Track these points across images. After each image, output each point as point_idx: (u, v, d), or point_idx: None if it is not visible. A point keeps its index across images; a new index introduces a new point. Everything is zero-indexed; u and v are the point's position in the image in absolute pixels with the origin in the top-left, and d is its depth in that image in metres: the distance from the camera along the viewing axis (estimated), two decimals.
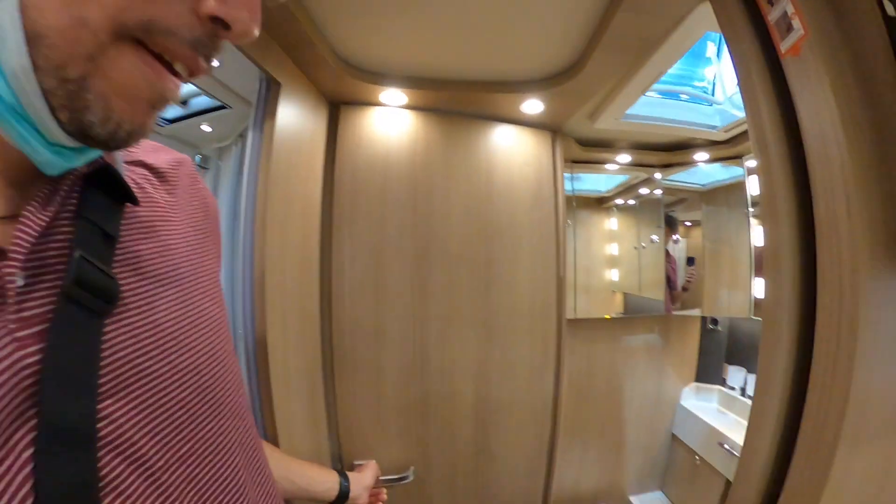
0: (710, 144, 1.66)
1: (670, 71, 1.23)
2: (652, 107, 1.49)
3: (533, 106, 1.34)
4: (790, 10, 0.60)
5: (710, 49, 1.57)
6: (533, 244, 1.44)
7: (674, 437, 1.92)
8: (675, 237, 1.86)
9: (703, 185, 1.81)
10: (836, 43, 0.59)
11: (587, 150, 1.71)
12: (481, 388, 1.36)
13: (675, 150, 1.75)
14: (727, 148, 1.64)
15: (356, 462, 1.24)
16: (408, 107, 1.32)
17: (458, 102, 1.32)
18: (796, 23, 0.59)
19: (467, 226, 1.35)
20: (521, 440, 1.43)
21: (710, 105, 1.56)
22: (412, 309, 1.29)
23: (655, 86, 1.34)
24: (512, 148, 1.44)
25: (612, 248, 1.93)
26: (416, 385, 1.30)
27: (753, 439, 0.67)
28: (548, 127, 1.51)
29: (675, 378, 1.91)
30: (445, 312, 1.32)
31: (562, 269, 1.49)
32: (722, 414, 1.79)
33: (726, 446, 1.52)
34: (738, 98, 1.49)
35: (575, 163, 1.78)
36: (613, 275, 1.91)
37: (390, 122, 1.30)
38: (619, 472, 1.93)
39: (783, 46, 0.63)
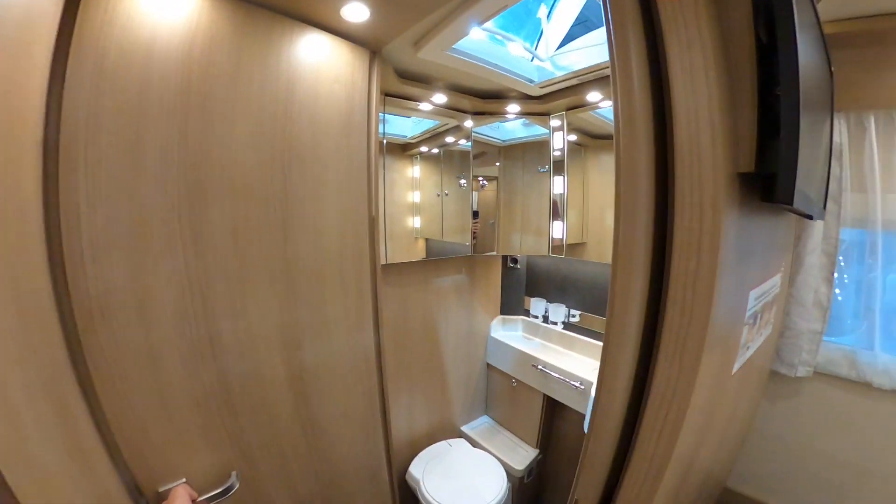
0: (523, 98, 1.78)
1: (502, 16, 1.20)
2: (478, 48, 1.46)
3: (357, 12, 1.11)
4: None
5: (542, 10, 1.64)
6: (341, 177, 1.24)
7: (489, 366, 2.16)
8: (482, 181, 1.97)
9: (503, 141, 1.96)
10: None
11: (404, 82, 1.58)
12: (293, 357, 1.15)
13: (488, 98, 1.81)
14: (538, 104, 1.80)
15: (161, 489, 0.89)
16: None
17: None
18: None
19: (258, 150, 1.04)
20: (351, 403, 1.30)
21: (532, 60, 1.65)
22: (185, 267, 0.93)
23: (485, 26, 1.30)
24: (323, 60, 1.17)
25: (415, 196, 1.91)
26: (207, 369, 0.97)
27: (614, 354, 0.72)
28: (368, 44, 1.30)
29: (484, 313, 2.12)
30: (233, 267, 1.01)
31: (373, 207, 1.36)
32: (528, 339, 2.09)
33: (539, 367, 1.77)
34: (558, 59, 1.62)
35: (389, 96, 1.63)
36: (416, 222, 1.90)
37: None
38: (447, 407, 2.06)
39: None
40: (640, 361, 0.73)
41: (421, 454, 1.84)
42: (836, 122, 1.40)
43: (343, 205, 1.25)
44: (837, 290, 1.53)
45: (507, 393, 2.08)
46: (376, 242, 1.39)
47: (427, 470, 1.70)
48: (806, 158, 0.68)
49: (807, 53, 0.66)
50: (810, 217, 0.90)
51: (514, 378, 1.97)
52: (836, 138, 1.40)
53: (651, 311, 0.71)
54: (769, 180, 0.60)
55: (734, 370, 0.87)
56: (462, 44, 1.38)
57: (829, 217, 1.45)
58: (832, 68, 1.12)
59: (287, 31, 1.07)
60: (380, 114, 1.51)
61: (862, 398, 1.48)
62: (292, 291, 1.13)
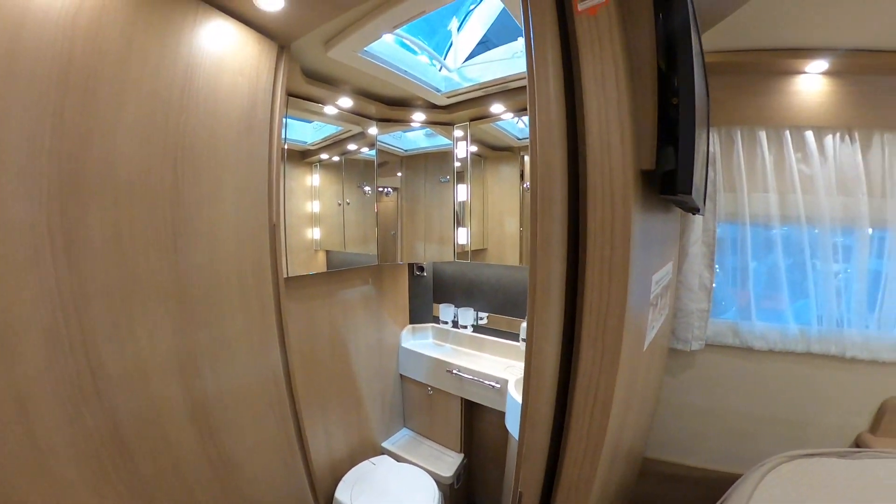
0: (429, 107, 1.86)
1: (415, 22, 1.26)
2: (388, 53, 1.50)
3: (269, 1, 1.07)
4: None
5: (454, 23, 1.73)
6: (239, 180, 1.17)
7: (403, 377, 2.15)
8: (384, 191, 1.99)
9: (405, 151, 2.02)
10: (625, 14, 0.76)
11: (311, 83, 1.54)
12: (193, 386, 1.03)
13: (395, 105, 1.85)
14: (444, 114, 1.89)
15: None
16: None
17: None
18: None
19: (147, 141, 0.93)
20: (264, 432, 1.21)
21: (440, 70, 1.73)
22: (57, 282, 0.78)
23: (398, 31, 1.35)
24: (227, 48, 1.10)
25: (314, 206, 1.86)
26: (91, 410, 0.82)
27: (539, 344, 0.80)
28: (278, 37, 1.26)
29: (393, 324, 2.11)
30: (115, 281, 0.87)
31: (275, 214, 1.30)
32: (439, 346, 2.13)
33: (454, 371, 1.82)
34: (466, 70, 1.73)
35: (293, 96, 1.58)
36: (315, 233, 1.85)
37: None
38: (365, 425, 1.98)
39: (581, 6, 0.76)
40: (563, 348, 0.83)
41: (345, 478, 1.75)
42: (711, 134, 1.78)
43: (242, 210, 1.17)
44: (717, 267, 1.90)
45: (424, 402, 2.10)
46: (279, 253, 1.32)
47: (354, 494, 1.62)
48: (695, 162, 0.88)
49: (697, 74, 0.86)
50: (698, 211, 1.11)
51: (430, 386, 2.01)
52: (711, 148, 1.79)
53: (570, 299, 0.81)
54: (667, 177, 0.76)
55: (644, 347, 1.03)
56: (373, 47, 1.41)
57: (707, 213, 1.82)
58: (709, 91, 1.43)
59: (192, 11, 0.98)
60: (286, 115, 1.45)
61: (746, 361, 1.88)
62: (187, 309, 1.01)
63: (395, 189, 2.03)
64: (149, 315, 0.93)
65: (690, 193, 0.73)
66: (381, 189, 1.99)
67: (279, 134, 1.30)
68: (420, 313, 2.19)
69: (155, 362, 0.94)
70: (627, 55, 0.75)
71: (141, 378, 0.91)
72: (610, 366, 0.76)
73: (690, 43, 0.71)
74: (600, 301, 0.77)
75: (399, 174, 2.03)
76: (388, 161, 2.00)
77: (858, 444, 1.79)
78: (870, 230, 1.72)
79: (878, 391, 1.78)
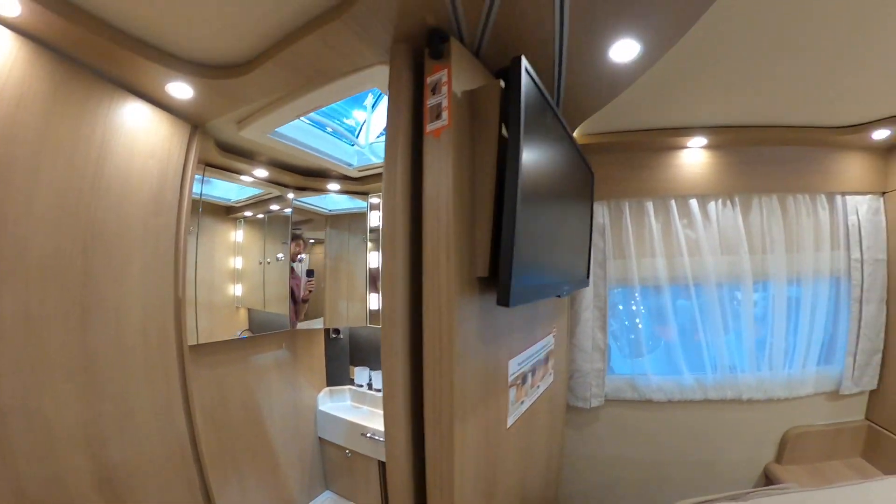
0: (344, 178, 1.96)
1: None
2: (300, 131, 1.61)
3: (181, 90, 1.17)
4: (444, 103, 0.85)
5: (369, 99, 1.86)
6: (147, 258, 1.23)
7: (321, 439, 2.15)
8: (300, 256, 2.05)
9: (329, 210, 2.10)
10: (465, 139, 0.88)
11: (226, 156, 1.62)
12: (99, 456, 1.07)
13: (310, 176, 1.94)
14: (357, 184, 2.00)
15: None
16: (11, 25, 0.87)
17: (86, 47, 0.97)
18: (445, 115, 0.85)
19: (58, 226, 1.00)
20: (170, 498, 1.23)
21: (352, 145, 1.85)
22: None
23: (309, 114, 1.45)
24: (140, 132, 1.18)
25: (237, 262, 1.89)
26: None
27: (392, 427, 0.90)
28: (190, 119, 1.34)
29: (309, 387, 2.12)
30: (25, 359, 0.93)
31: (181, 289, 1.36)
32: (356, 408, 2.15)
33: (368, 434, 1.84)
34: (376, 147, 1.84)
35: (209, 166, 1.64)
36: (237, 290, 1.88)
37: None
38: (283, 490, 1.95)
39: (429, 127, 0.89)
40: (415, 429, 0.90)
41: None
42: (599, 207, 1.95)
43: (148, 287, 1.23)
44: (611, 327, 2.02)
45: (344, 464, 2.10)
46: (183, 325, 1.37)
47: None
48: (548, 255, 0.98)
49: (551, 173, 0.98)
50: (559, 295, 1.22)
51: (348, 449, 2.02)
52: (599, 219, 1.95)
53: (416, 389, 0.90)
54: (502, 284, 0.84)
55: (510, 424, 1.12)
56: (286, 127, 1.51)
57: (598, 280, 1.97)
58: (591, 169, 1.58)
59: (108, 96, 1.06)
60: (203, 176, 1.51)
61: (648, 412, 2.00)
62: (92, 382, 1.06)
63: (321, 242, 2.09)
64: (57, 388, 0.97)
65: (509, 306, 0.80)
66: (303, 243, 2.03)
67: (188, 214, 1.36)
68: (337, 376, 2.21)
69: (62, 434, 0.97)
70: (460, 177, 0.86)
71: (48, 449, 0.94)
72: (448, 449, 0.84)
73: (518, 164, 0.80)
74: (434, 397, 0.86)
75: (324, 232, 2.09)
76: (313, 219, 2.07)
77: (767, 474, 1.97)
78: (753, 283, 1.92)
79: (779, 424, 1.98)
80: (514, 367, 1.14)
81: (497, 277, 0.84)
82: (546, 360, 1.45)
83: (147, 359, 1.21)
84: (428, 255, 0.85)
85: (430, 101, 0.89)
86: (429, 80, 0.90)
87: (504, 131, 0.90)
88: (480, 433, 0.96)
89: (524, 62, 0.85)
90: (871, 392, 1.95)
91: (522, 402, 1.21)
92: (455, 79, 0.88)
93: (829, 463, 1.92)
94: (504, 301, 0.81)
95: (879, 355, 1.90)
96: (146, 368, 1.21)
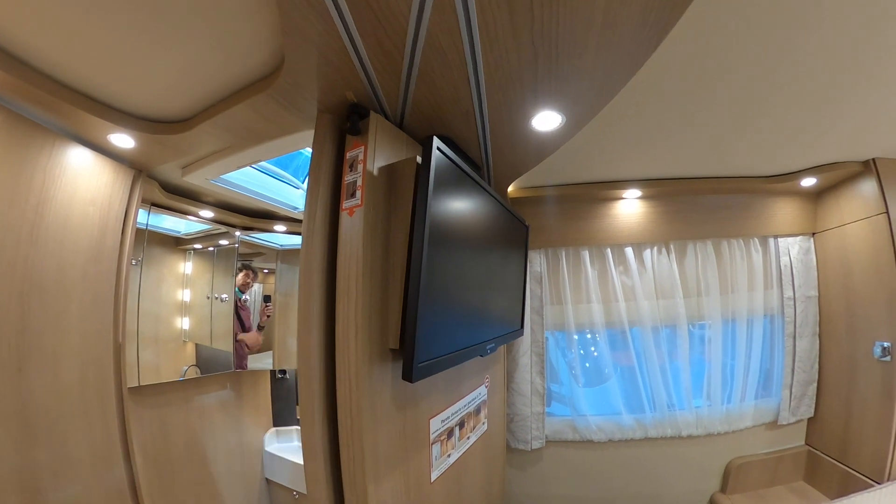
0: (290, 220, 1.98)
1: None
2: (245, 176, 1.64)
3: (123, 140, 1.21)
4: (359, 182, 0.90)
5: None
6: (86, 306, 1.24)
7: (268, 481, 2.10)
8: (255, 286, 2.05)
9: (281, 245, 2.11)
10: (379, 217, 0.93)
11: (171, 197, 1.63)
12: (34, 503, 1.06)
13: (257, 217, 1.95)
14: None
15: None
16: None
17: (27, 97, 1.00)
18: (359, 194, 0.89)
19: None
20: None
21: (298, 188, 1.88)
22: None
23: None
24: (80, 178, 1.20)
25: (185, 294, 1.86)
26: None
27: (313, 486, 0.92)
28: (134, 165, 1.38)
29: (255, 427, 2.07)
30: None
31: (121, 335, 1.36)
32: None
33: None
34: None
35: (155, 205, 1.64)
36: (184, 323, 1.84)
37: None
38: None
39: (345, 204, 0.93)
40: (336, 489, 0.93)
41: None
42: (536, 256, 2.02)
43: (87, 333, 1.23)
44: (549, 371, 2.06)
45: None
46: (123, 370, 1.37)
47: None
48: (469, 316, 1.02)
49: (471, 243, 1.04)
50: (482, 355, 1.24)
51: (296, 491, 1.97)
52: (536, 268, 2.02)
53: (336, 451, 0.92)
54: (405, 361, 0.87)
55: (433, 479, 1.15)
56: (231, 174, 1.53)
57: (535, 326, 2.02)
58: (525, 222, 1.65)
59: (49, 143, 1.08)
60: (149, 213, 1.52)
61: (590, 451, 2.05)
62: (28, 430, 1.06)
63: (270, 272, 2.08)
64: None
65: (413, 381, 0.84)
66: (250, 285, 2.02)
67: (129, 259, 1.36)
68: (284, 416, 2.18)
69: None
70: (371, 256, 0.91)
71: None
72: None
73: (423, 242, 0.85)
74: (349, 462, 0.89)
75: (275, 265, 2.09)
76: (265, 252, 2.07)
77: None
78: (689, 325, 2.02)
79: (722, 456, 2.05)
80: (437, 424, 1.17)
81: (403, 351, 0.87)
82: (478, 410, 1.48)
83: (85, 403, 1.21)
84: (339, 330, 0.89)
85: (348, 178, 0.95)
86: (348, 155, 0.96)
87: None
88: (401, 490, 0.98)
89: (436, 142, 0.91)
90: (809, 419, 2.05)
91: (450, 456, 1.24)
92: (375, 153, 0.94)
93: (773, 489, 2.01)
94: (408, 377, 0.85)
95: (814, 385, 2.01)
96: (84, 413, 1.21)
